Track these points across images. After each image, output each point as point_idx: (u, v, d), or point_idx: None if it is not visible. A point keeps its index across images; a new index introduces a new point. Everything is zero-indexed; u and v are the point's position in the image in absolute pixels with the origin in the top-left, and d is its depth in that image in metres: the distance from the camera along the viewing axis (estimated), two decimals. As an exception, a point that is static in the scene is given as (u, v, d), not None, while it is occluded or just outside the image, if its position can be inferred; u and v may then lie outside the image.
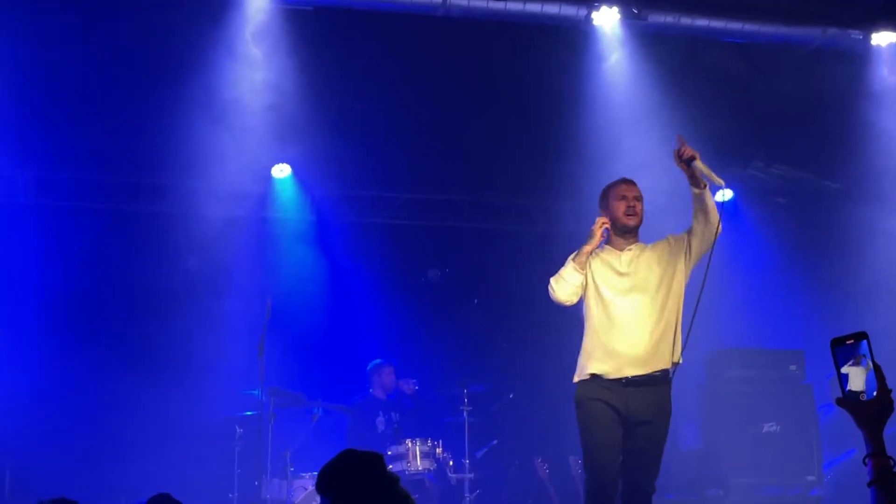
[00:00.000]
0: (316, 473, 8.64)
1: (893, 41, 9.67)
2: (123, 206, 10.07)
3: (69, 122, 9.27)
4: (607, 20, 9.20)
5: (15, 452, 9.09)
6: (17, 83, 8.96)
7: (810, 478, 9.21)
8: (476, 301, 10.53)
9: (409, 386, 9.60)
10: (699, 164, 6.00)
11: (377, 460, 2.88)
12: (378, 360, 9.68)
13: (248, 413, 8.89)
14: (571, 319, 7.14)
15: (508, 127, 9.90)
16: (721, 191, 10.83)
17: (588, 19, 9.18)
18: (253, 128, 9.56)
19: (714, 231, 5.98)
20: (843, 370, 2.59)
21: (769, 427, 9.25)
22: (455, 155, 10.15)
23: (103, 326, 9.69)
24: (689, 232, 6.08)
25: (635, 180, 10.22)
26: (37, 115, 9.22)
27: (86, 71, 9.01)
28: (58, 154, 9.64)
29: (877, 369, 2.56)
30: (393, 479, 2.87)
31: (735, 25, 9.26)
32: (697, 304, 5.87)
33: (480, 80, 9.58)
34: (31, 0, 8.71)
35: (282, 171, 10.30)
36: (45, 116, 9.25)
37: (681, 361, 5.92)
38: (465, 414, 8.95)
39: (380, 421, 9.36)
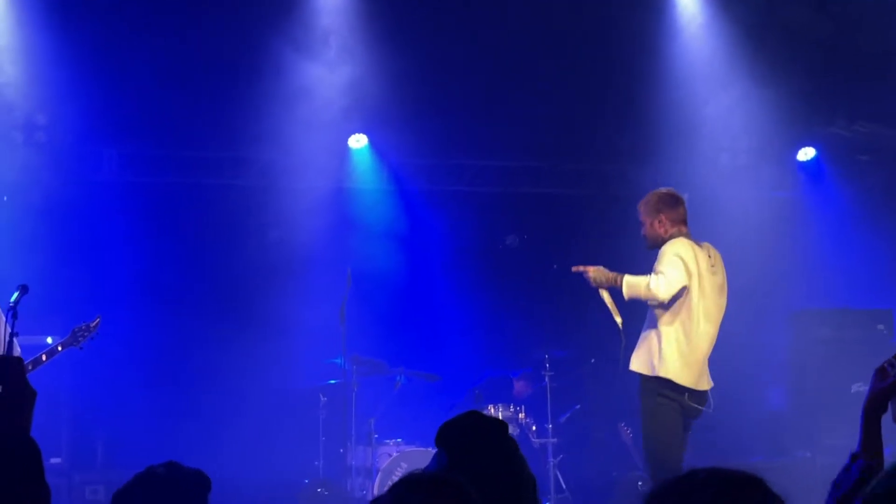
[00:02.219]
0: (399, 440, 8.78)
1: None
2: (205, 179, 10.19)
3: (152, 98, 9.40)
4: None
5: (106, 423, 9.32)
6: (102, 62, 9.11)
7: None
8: (555, 267, 10.48)
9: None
10: (603, 295, 6.54)
11: (501, 425, 2.90)
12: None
13: (332, 381, 8.99)
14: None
15: (588, 92, 9.82)
16: (803, 149, 10.72)
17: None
18: (329, 99, 9.62)
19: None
20: None
21: (857, 387, 9.10)
22: (533, 121, 10.09)
23: (188, 299, 9.84)
24: None
25: (716, 140, 10.12)
26: (120, 93, 9.36)
27: (168, 47, 9.13)
28: (141, 130, 9.78)
29: None
30: (513, 444, 2.89)
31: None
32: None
33: (560, 44, 9.50)
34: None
35: (358, 142, 10.33)
36: (129, 93, 9.39)
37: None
38: (546, 379, 8.94)
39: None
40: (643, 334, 6.51)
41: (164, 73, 9.24)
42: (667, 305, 6.31)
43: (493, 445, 2.83)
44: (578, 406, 9.66)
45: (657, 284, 6.17)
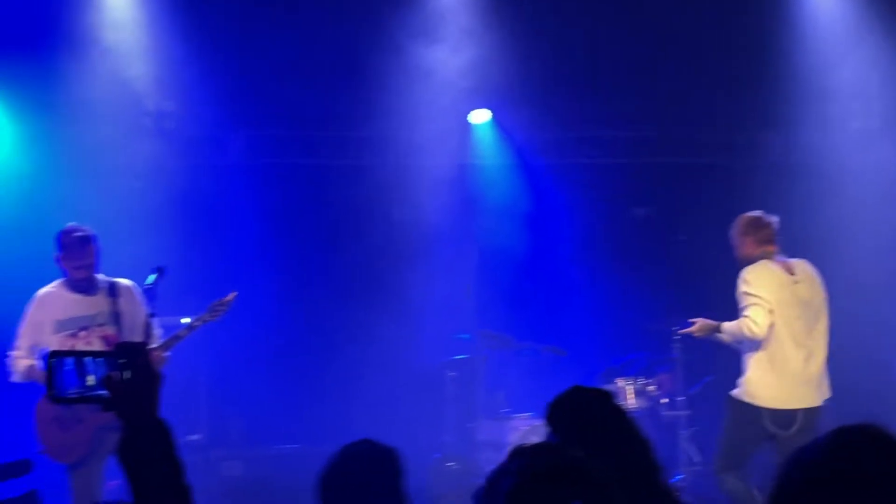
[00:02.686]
0: (530, 414, 8.76)
1: None
2: (329, 160, 10.31)
3: (275, 82, 9.55)
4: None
5: (242, 400, 9.55)
6: (227, 49, 9.30)
7: None
8: (683, 237, 10.35)
9: None
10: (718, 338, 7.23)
11: (605, 396, 2.88)
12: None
13: (460, 357, 9.04)
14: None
15: (716, 59, 9.63)
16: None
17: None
18: (451, 76, 9.63)
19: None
20: None
21: None
22: (659, 90, 9.95)
23: (316, 278, 9.99)
24: None
25: (848, 104, 9.83)
26: (244, 78, 9.55)
27: (291, 32, 9.26)
28: (265, 114, 9.95)
29: None
30: (620, 412, 2.86)
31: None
32: None
33: (686, 11, 9.34)
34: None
35: (481, 118, 10.32)
36: (253, 78, 9.57)
37: None
38: (677, 351, 8.82)
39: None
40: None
41: (286, 58, 9.38)
42: None
43: (599, 416, 2.81)
44: (710, 378, 9.51)
45: (750, 329, 6.69)
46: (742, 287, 6.78)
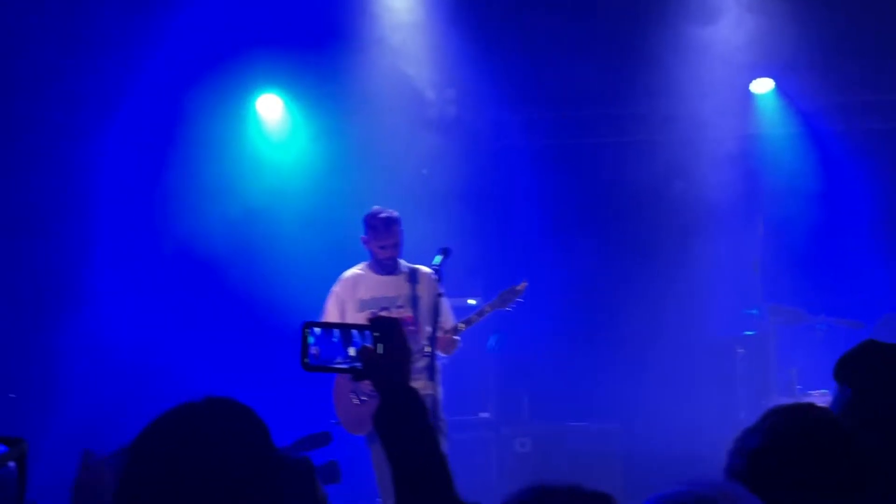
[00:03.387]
0: (825, 391, 8.45)
1: None
2: (608, 138, 10.28)
3: (552, 62, 9.62)
4: None
5: (532, 377, 9.70)
6: (503, 33, 9.44)
7: None
8: None
9: None
10: None
11: None
12: None
13: (748, 333, 8.81)
14: None
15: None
16: None
17: None
18: (729, 47, 9.40)
19: None
20: None
21: None
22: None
23: (598, 257, 9.96)
24: None
25: None
26: (521, 61, 9.66)
27: (566, 12, 9.32)
28: (544, 95, 10.03)
29: None
30: None
31: None
32: None
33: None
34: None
35: (763, 86, 10.00)
36: (529, 60, 9.67)
37: None
38: None
39: None
40: None
41: (563, 37, 9.42)
42: None
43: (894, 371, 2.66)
44: None
45: None
46: None
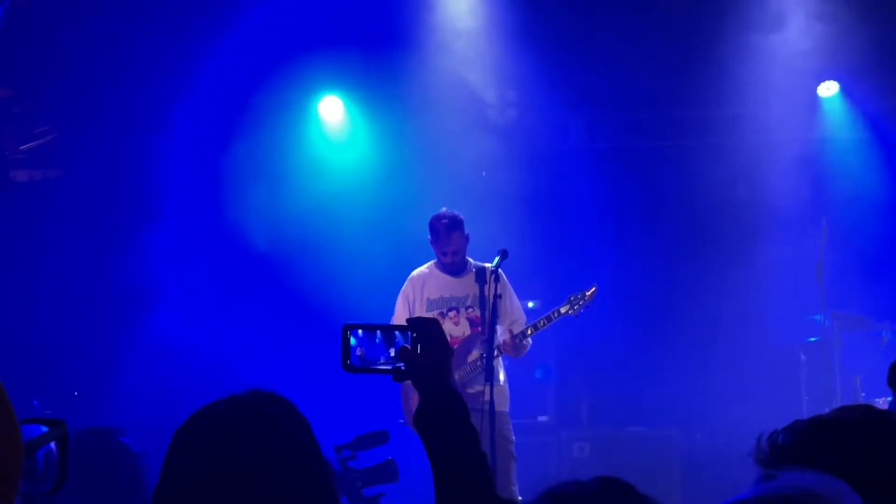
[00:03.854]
0: (890, 399, 8.30)
1: None
2: (671, 141, 10.21)
3: (612, 65, 9.59)
4: None
5: (591, 382, 9.67)
6: (563, 35, 9.43)
7: None
8: None
9: None
10: None
11: None
12: None
13: (812, 339, 8.70)
14: None
15: None
16: None
17: None
18: (795, 51, 9.32)
19: None
20: None
21: None
22: None
23: (659, 261, 9.89)
24: None
25: None
26: (582, 63, 9.64)
27: (623, 17, 9.29)
28: (604, 98, 10.00)
29: None
30: None
31: None
32: None
33: None
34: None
35: (829, 90, 9.88)
36: (591, 63, 9.64)
37: None
38: None
39: None
40: None
41: (623, 40, 9.38)
42: None
43: None
44: None
45: None
46: None
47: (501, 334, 6.64)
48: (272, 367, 8.67)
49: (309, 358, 9.13)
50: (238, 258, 9.52)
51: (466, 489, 2.38)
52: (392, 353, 2.53)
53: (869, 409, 2.07)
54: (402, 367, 2.51)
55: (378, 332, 2.56)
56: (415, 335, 2.51)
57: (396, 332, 2.54)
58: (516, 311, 6.86)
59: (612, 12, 9.42)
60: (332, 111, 9.99)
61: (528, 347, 6.72)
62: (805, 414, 8.59)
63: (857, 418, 2.03)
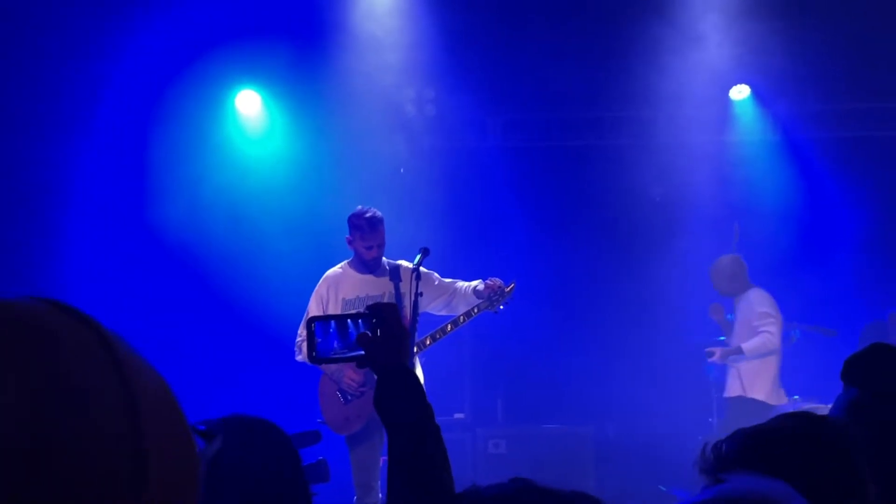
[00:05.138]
0: (797, 397, 8.50)
1: None
2: (584, 141, 10.31)
3: (529, 66, 9.66)
4: None
5: (506, 380, 9.73)
6: (482, 34, 9.47)
7: None
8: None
9: None
10: None
11: None
12: None
13: (722, 339, 8.86)
14: None
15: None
16: None
17: None
18: (708, 54, 9.48)
19: None
20: None
21: None
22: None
23: (574, 260, 9.99)
24: None
25: None
26: (500, 62, 9.69)
27: (543, 19, 9.36)
28: (523, 96, 10.07)
29: None
30: None
31: None
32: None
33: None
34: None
35: (740, 93, 10.08)
36: (508, 62, 9.70)
37: None
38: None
39: None
40: None
41: (542, 39, 9.46)
42: None
43: None
44: None
45: None
46: None
47: (458, 297, 6.80)
48: (188, 366, 8.54)
49: (230, 356, 9.05)
50: (153, 253, 9.37)
51: (425, 466, 2.46)
52: (352, 341, 2.60)
53: (808, 418, 2.13)
54: (363, 353, 2.56)
55: (341, 321, 2.63)
56: (373, 321, 2.57)
57: (356, 321, 2.61)
58: (449, 282, 6.88)
59: (530, 13, 9.49)
60: (249, 105, 9.89)
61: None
62: (714, 411, 8.78)
63: (797, 428, 2.09)
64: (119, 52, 9.03)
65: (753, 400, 8.20)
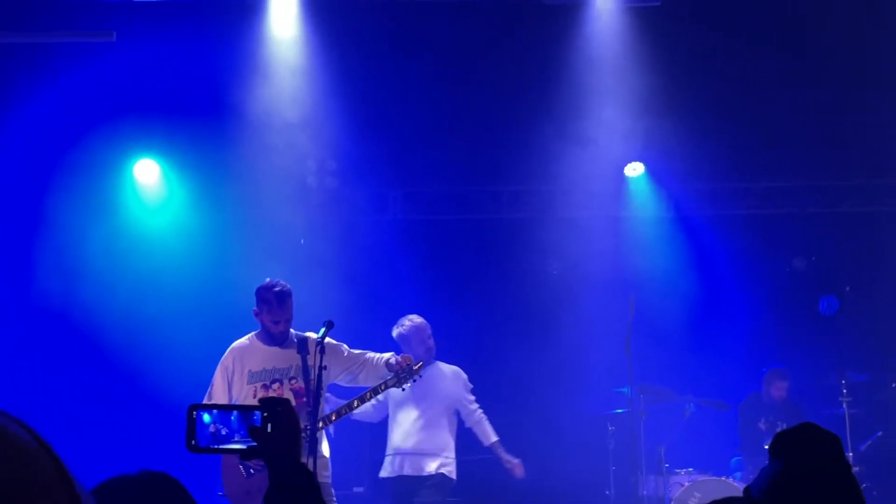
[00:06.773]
0: (691, 469, 8.62)
1: None
2: (486, 215, 10.44)
3: (430, 141, 9.78)
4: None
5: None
6: (383, 108, 9.56)
7: None
8: (848, 289, 10.10)
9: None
10: None
11: (837, 440, 2.86)
12: (774, 367, 9.34)
13: (619, 411, 8.98)
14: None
15: (870, 106, 9.47)
16: None
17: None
18: (604, 128, 9.70)
19: None
20: None
21: None
22: (818, 138, 9.80)
23: (474, 332, 10.05)
24: None
25: None
26: (401, 136, 9.79)
27: (441, 93, 9.50)
28: (423, 171, 10.17)
29: None
30: (847, 463, 2.85)
31: None
32: None
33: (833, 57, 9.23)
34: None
35: (635, 170, 10.33)
36: (409, 137, 9.80)
37: None
38: (844, 405, 8.61)
39: (762, 423, 9.12)
40: None
41: (441, 115, 9.60)
42: None
43: (830, 459, 2.79)
44: (881, 433, 9.22)
45: None
46: None
47: (368, 368, 6.77)
48: (89, 439, 8.33)
49: (130, 428, 8.85)
50: (48, 322, 9.15)
51: None
52: (242, 433, 2.53)
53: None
54: (254, 446, 2.51)
55: (225, 412, 2.56)
56: (265, 414, 2.51)
57: (244, 412, 2.54)
58: (359, 353, 6.87)
59: (430, 88, 9.62)
60: (147, 174, 9.79)
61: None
62: (610, 484, 8.86)
63: None
64: (15, 118, 8.89)
65: None
